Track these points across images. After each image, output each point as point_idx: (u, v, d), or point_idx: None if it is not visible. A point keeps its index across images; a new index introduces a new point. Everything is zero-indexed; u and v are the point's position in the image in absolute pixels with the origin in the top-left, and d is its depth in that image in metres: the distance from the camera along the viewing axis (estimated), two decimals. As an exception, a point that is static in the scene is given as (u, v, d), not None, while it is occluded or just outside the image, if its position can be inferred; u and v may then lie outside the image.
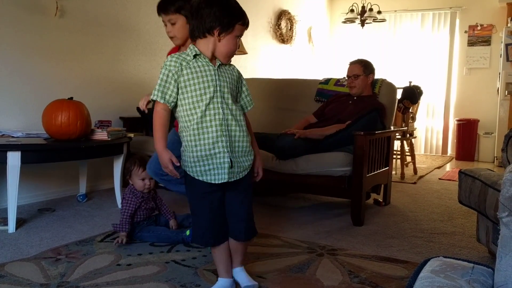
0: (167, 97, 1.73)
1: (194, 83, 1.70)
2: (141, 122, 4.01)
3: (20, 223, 2.75)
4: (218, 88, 1.72)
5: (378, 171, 3.21)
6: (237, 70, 1.86)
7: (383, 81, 3.58)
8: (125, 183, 2.53)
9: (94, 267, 2.10)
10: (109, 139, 3.07)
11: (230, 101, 1.74)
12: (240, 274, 1.92)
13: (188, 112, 1.73)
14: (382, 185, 3.50)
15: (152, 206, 2.59)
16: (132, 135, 3.50)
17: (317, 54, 7.72)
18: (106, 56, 3.95)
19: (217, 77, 1.73)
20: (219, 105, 1.71)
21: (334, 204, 3.55)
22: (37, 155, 2.71)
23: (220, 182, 1.74)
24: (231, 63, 1.85)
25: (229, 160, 1.72)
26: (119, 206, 3.08)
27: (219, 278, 1.90)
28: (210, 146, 1.71)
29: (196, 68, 1.72)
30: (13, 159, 2.60)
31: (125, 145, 3.28)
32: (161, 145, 1.76)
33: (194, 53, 1.73)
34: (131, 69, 4.21)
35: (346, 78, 3.46)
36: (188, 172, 1.78)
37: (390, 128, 3.50)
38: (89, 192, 3.69)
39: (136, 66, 4.26)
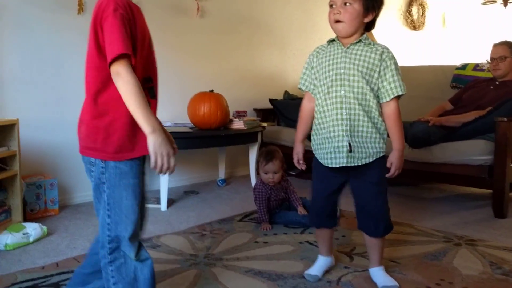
0: (307, 83, 1.80)
1: (322, 67, 1.71)
2: (273, 113, 4.21)
3: (170, 202, 3.09)
4: (340, 71, 1.66)
5: (524, 161, 2.95)
6: (382, 51, 1.67)
7: (530, 63, 3.26)
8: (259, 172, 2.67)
9: (235, 243, 2.29)
10: (246, 128, 3.30)
11: (356, 84, 1.64)
12: (377, 274, 1.80)
13: (316, 96, 1.76)
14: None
15: (282, 197, 2.65)
16: (265, 124, 3.69)
17: (451, 39, 7.22)
18: (242, 51, 4.20)
19: (342, 59, 1.67)
20: (339, 87, 1.66)
21: (472, 195, 3.35)
22: (184, 142, 2.99)
23: (337, 166, 1.69)
24: (379, 43, 1.71)
25: (347, 144, 1.65)
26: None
27: (318, 256, 1.92)
28: (330, 129, 1.68)
29: (327, 53, 1.72)
30: (165, 146, 2.93)
31: (260, 133, 3.48)
32: (296, 137, 1.86)
33: (330, 39, 1.75)
34: (264, 63, 4.42)
35: (489, 61, 3.23)
36: (314, 154, 1.81)
37: (539, 115, 3.18)
38: (228, 178, 3.97)
39: (268, 60, 4.46)
